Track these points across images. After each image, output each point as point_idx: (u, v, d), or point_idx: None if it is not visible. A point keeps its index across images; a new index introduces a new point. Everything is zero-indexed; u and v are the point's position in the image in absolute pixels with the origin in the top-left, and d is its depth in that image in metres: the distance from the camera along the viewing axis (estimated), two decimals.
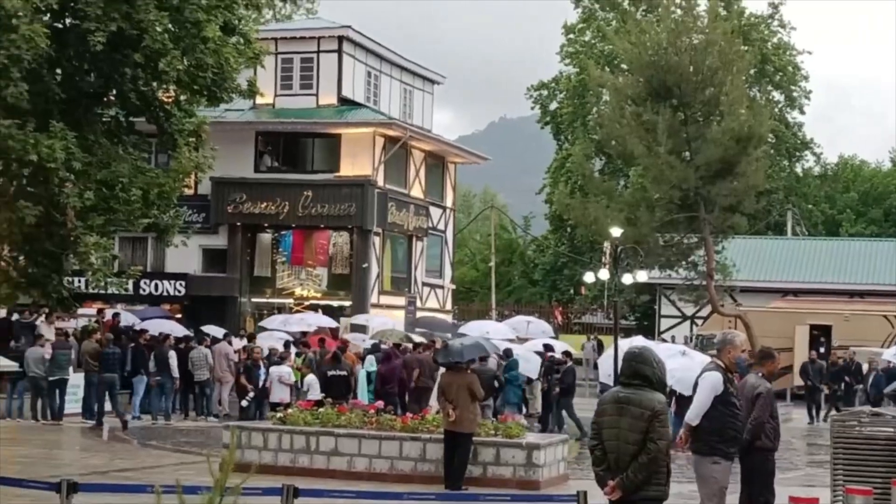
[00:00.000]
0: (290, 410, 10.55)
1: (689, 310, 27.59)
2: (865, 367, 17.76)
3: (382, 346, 16.15)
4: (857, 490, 5.92)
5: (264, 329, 18.98)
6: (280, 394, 13.59)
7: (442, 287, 26.78)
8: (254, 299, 23.62)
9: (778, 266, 29.52)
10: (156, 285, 22.25)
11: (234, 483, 2.49)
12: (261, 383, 14.18)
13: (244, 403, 14.14)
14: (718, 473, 5.77)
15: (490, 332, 17.72)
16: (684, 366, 11.64)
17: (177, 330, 16.73)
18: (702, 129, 21.05)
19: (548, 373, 15.21)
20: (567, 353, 15.92)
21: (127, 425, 13.78)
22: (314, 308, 21.69)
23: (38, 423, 13.96)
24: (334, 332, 18.42)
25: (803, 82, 37.70)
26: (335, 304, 22.58)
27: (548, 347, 16.16)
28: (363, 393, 14.49)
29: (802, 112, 37.96)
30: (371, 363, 15.26)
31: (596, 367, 17.84)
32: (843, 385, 18.36)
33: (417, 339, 17.70)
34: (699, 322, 27.90)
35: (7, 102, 13.10)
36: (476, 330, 18.22)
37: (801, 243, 32.27)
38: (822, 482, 8.49)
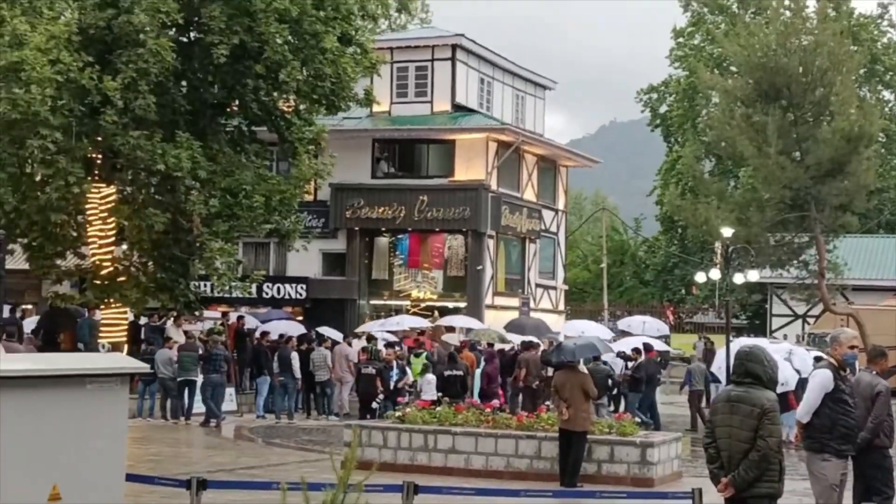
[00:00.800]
0: (407, 410, 10.69)
1: (801, 308, 28.28)
2: None
3: (478, 347, 16.46)
4: None
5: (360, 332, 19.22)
6: (430, 394, 13.21)
7: (555, 288, 26.91)
8: (372, 301, 23.91)
9: (890, 264, 29.55)
10: (278, 289, 22.81)
11: (356, 480, 2.64)
12: (392, 384, 14.14)
13: (375, 405, 13.83)
14: (829, 470, 5.86)
15: (585, 331, 18.05)
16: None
17: (297, 331, 17.11)
18: (812, 129, 21.21)
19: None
20: (637, 350, 15.53)
21: (220, 425, 14.00)
22: (430, 310, 21.99)
23: (168, 422, 14.36)
24: (422, 333, 18.78)
25: None
26: (450, 305, 22.67)
27: (647, 347, 15.69)
28: (477, 392, 14.64)
29: None
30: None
31: (706, 365, 17.22)
32: None
33: (512, 339, 17.90)
34: (811, 321, 28.01)
35: (135, 114, 13.82)
36: (573, 330, 18.93)
37: None
38: None
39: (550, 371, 13.36)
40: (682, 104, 37.81)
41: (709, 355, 19.39)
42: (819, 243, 21.52)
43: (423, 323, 20.02)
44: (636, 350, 15.38)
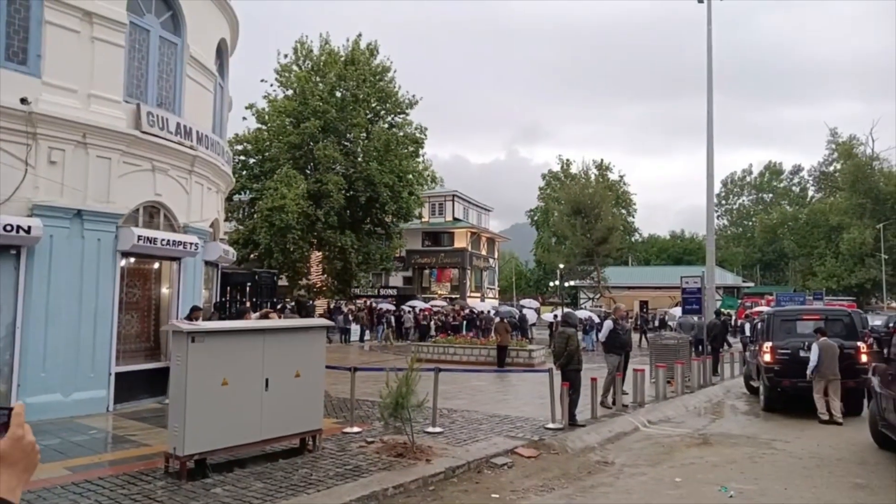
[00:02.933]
0: (438, 337, 28.74)
1: (591, 295, 56.02)
2: None
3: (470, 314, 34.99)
4: (660, 366, 15.46)
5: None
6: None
7: (495, 289, 63.86)
8: (422, 295, 50.19)
9: (629, 278, 58.70)
10: (385, 291, 48.33)
11: (416, 366, 8.72)
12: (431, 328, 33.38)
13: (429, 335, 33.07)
14: (612, 361, 12.87)
15: (525, 306, 36.57)
16: None
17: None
18: (593, 225, 45.94)
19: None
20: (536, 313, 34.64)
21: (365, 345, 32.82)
22: (448, 299, 47.04)
23: (341, 344, 33.89)
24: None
25: (633, 205, 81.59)
26: (453, 297, 48.54)
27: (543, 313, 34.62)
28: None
29: (633, 216, 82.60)
30: None
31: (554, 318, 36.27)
32: None
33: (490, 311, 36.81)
34: (594, 301, 54.84)
35: (329, 224, 33.44)
36: (525, 308, 37.20)
37: None
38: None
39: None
40: (543, 216, 78.21)
41: (557, 316, 39.45)
42: (597, 270, 47.01)
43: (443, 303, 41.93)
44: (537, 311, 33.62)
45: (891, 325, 20.87)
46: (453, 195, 54.92)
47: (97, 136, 11.56)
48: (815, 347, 13.07)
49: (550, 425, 10.81)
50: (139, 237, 11.94)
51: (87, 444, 9.13)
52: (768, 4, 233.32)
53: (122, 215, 12.04)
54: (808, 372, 12.93)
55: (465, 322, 33.73)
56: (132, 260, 12.61)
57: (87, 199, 11.48)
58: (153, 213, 12.98)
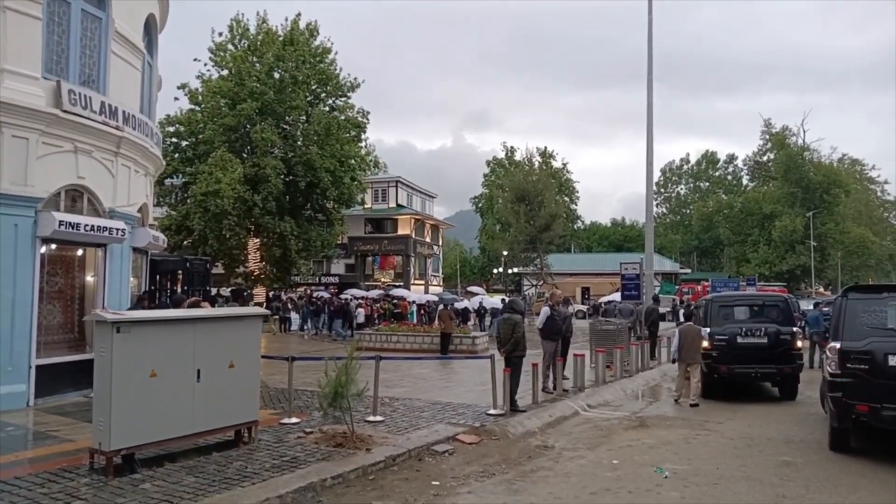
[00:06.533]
0: (381, 325, 28.68)
1: (534, 282, 55.30)
2: None
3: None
4: (599, 350, 15.50)
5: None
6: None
7: (439, 276, 62.09)
8: (365, 283, 50.10)
9: (571, 265, 64.37)
10: (326, 279, 47.21)
11: (356, 354, 8.50)
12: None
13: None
14: (548, 346, 13.56)
15: (480, 294, 36.81)
16: None
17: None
18: (537, 213, 46.40)
19: None
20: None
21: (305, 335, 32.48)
22: (389, 286, 45.90)
23: (279, 334, 33.34)
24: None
25: (576, 193, 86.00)
26: (397, 284, 48.52)
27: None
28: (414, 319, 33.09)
29: (576, 204, 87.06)
30: None
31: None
32: None
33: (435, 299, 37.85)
34: (537, 287, 54.91)
35: (267, 210, 32.72)
36: (472, 296, 38.69)
37: None
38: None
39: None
40: (487, 202, 78.73)
41: (504, 302, 40.84)
42: (540, 257, 47.87)
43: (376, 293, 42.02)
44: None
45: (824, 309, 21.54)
46: (397, 181, 54.93)
47: (12, 115, 10.95)
48: (676, 332, 13.63)
49: (492, 411, 10.91)
50: (60, 222, 11.41)
51: (3, 442, 8.71)
52: None
53: (42, 199, 11.48)
54: (671, 355, 13.55)
55: (412, 309, 33.77)
56: (53, 247, 12.06)
57: (2, 182, 10.88)
58: (76, 197, 12.42)
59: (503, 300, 40.12)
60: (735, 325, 13.80)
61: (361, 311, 31.99)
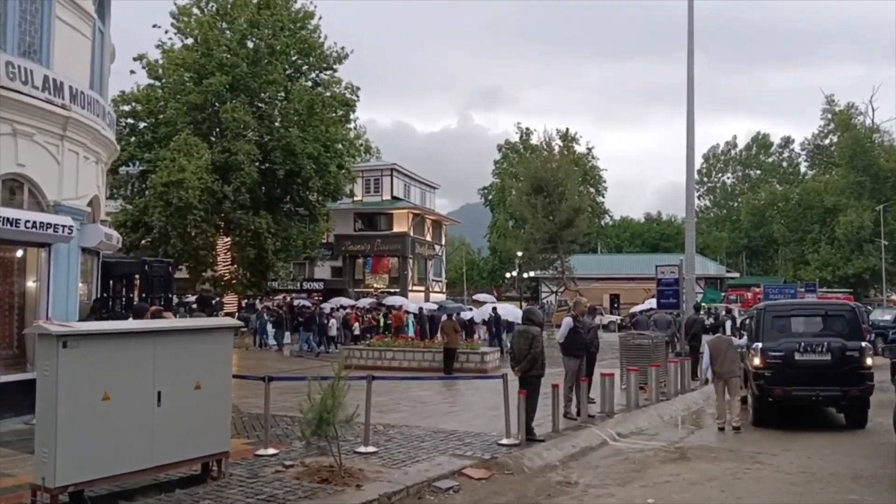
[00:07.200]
0: (373, 339, 28.48)
1: (554, 288, 55.71)
2: None
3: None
4: (631, 369, 15.23)
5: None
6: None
7: (441, 281, 62.28)
8: (355, 290, 51.41)
9: (597, 267, 67.09)
10: (309, 284, 47.04)
11: (344, 373, 8.37)
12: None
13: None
14: (570, 364, 13.68)
15: (498, 307, 37.04)
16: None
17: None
18: (557, 206, 46.51)
19: None
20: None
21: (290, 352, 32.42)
22: (383, 293, 46.46)
23: (253, 349, 33.35)
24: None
25: (603, 182, 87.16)
26: (392, 290, 49.55)
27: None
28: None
29: (603, 196, 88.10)
30: None
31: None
32: None
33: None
34: (559, 294, 56.57)
35: (240, 203, 32.75)
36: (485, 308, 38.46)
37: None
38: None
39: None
40: (498, 194, 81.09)
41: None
42: (561, 258, 47.68)
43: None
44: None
45: None
46: (392, 169, 54.81)
47: None
48: (705, 348, 13.64)
49: (504, 441, 10.91)
50: None
51: None
52: None
53: None
54: (702, 374, 13.46)
55: (408, 320, 33.83)
56: None
57: None
58: (15, 188, 12.47)
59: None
60: (792, 339, 13.71)
61: (335, 321, 32.01)
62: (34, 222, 12.11)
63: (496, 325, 32.43)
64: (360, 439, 10.41)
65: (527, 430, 11.17)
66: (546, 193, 46.64)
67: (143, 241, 33.41)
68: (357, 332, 32.22)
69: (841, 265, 66.61)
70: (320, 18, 36.24)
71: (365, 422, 10.35)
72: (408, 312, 35.11)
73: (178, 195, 30.50)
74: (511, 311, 33.30)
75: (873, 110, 76.50)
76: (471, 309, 36.65)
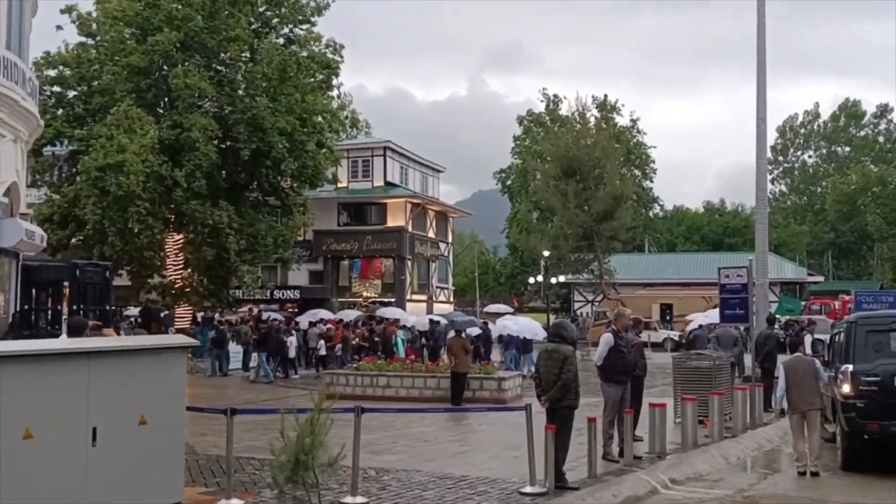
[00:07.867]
0: (361, 362, 28.19)
1: (590, 297, 59.26)
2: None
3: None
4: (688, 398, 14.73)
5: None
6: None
7: (447, 288, 60.76)
8: (339, 299, 51.54)
9: (642, 270, 64.62)
10: (282, 293, 48.34)
11: (326, 405, 8.39)
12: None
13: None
14: (612, 392, 13.32)
15: (519, 323, 37.57)
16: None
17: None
18: (593, 193, 46.37)
19: None
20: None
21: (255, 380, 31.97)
22: (374, 303, 46.36)
23: (212, 376, 33.23)
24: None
25: (651, 163, 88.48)
26: (385, 300, 49.36)
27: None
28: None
29: (651, 181, 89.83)
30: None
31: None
32: None
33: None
34: (596, 304, 58.36)
35: (194, 191, 32.77)
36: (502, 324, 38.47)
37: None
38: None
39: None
40: (519, 179, 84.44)
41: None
42: (599, 259, 47.89)
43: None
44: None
45: None
46: (385, 147, 54.18)
47: None
48: (780, 370, 13.72)
49: (528, 489, 10.88)
50: None
51: None
52: None
53: None
54: (776, 404, 13.45)
55: (398, 338, 33.91)
56: None
57: None
58: None
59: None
60: (891, 360, 13.63)
61: (293, 339, 32.14)
62: None
63: (486, 343, 32.58)
64: (346, 487, 10.40)
65: (556, 475, 11.12)
66: (579, 177, 46.37)
67: (73, 240, 33.47)
68: (338, 352, 32.22)
69: None
70: None
71: (353, 465, 10.33)
72: (405, 327, 35.26)
73: (118, 182, 30.43)
74: (527, 326, 33.42)
75: None
76: (485, 323, 36.47)
